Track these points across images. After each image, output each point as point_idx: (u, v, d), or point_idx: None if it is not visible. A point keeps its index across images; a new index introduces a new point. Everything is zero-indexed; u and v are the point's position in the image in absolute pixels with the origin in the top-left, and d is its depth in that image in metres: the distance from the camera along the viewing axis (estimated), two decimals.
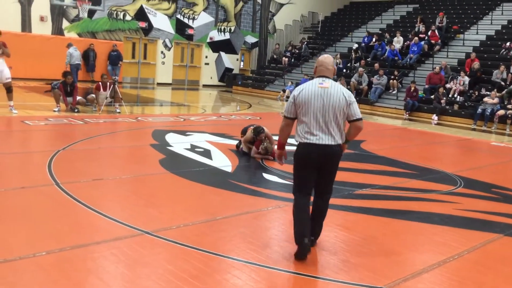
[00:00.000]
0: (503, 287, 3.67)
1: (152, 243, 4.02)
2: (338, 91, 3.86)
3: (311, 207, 4.04)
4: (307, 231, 3.87)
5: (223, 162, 7.28)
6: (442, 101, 16.23)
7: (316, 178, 3.95)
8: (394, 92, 18.39)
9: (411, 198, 6.03)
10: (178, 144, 8.35)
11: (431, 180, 7.06)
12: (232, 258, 3.84)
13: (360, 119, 3.94)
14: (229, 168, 6.96)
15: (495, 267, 4.04)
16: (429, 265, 3.93)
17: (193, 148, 8.07)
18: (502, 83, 16.05)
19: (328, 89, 3.84)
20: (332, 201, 5.57)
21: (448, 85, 17.09)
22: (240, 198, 5.59)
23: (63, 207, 4.74)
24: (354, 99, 3.95)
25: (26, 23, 18.90)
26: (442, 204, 5.83)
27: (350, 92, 3.95)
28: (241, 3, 25.46)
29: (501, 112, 14.57)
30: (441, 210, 5.59)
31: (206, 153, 7.77)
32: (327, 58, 4.02)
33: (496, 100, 15.06)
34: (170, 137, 8.94)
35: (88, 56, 19.82)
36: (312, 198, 4.06)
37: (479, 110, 15.08)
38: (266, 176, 6.70)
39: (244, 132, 7.99)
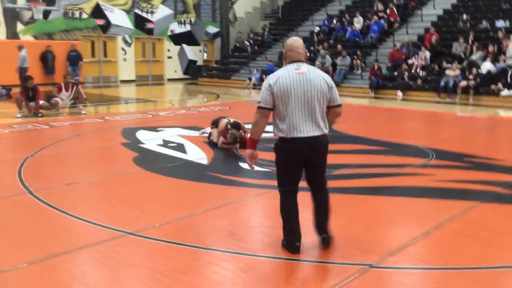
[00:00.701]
0: (485, 252, 3.77)
1: (136, 243, 3.95)
2: (318, 75, 3.59)
3: (313, 204, 3.81)
4: (298, 233, 3.69)
5: (198, 155, 7.21)
6: (405, 76, 16.50)
7: (305, 171, 3.72)
8: (358, 72, 18.58)
9: (387, 174, 6.11)
10: (150, 140, 8.22)
11: (404, 155, 7.18)
12: (218, 250, 3.81)
13: (340, 105, 3.73)
14: (204, 161, 6.90)
15: (475, 234, 4.14)
16: (413, 238, 3.99)
17: (165, 144, 7.97)
18: (462, 55, 16.42)
19: (307, 74, 3.54)
20: None
21: (410, 61, 17.36)
22: (219, 190, 5.55)
23: (39, 215, 4.60)
24: (333, 83, 3.70)
25: None
26: (417, 177, 5.95)
27: (328, 76, 3.71)
28: None
29: (463, 83, 14.91)
30: (417, 183, 5.69)
31: (180, 148, 7.68)
32: (296, 41, 3.70)
33: (457, 72, 15.40)
34: (141, 134, 8.79)
35: (46, 58, 19.26)
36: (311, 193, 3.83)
37: (442, 83, 15.40)
38: (243, 165, 6.67)
39: (215, 123, 7.92)
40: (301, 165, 3.67)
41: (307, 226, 3.83)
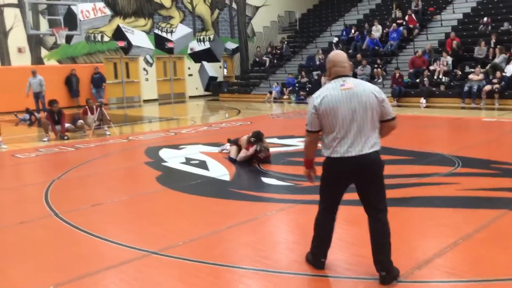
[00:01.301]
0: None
1: (161, 262, 3.97)
2: (366, 89, 3.35)
3: (369, 233, 3.48)
4: (325, 250, 3.63)
5: (220, 171, 7.23)
6: (427, 83, 16.30)
7: (358, 196, 3.48)
8: (379, 80, 18.42)
9: (412, 184, 6.01)
10: (172, 159, 8.30)
11: (429, 164, 7.06)
12: (242, 268, 3.79)
13: (394, 118, 3.43)
14: (227, 177, 6.91)
15: (505, 243, 4.03)
16: (440, 250, 3.91)
17: (188, 161, 8.02)
18: (485, 58, 16.14)
19: (353, 90, 3.32)
20: None
21: (432, 67, 17.17)
22: (242, 206, 5.55)
23: (65, 237, 4.67)
24: (384, 95, 3.42)
25: (4, 56, 18.79)
26: (443, 187, 5.83)
27: (378, 88, 3.44)
28: (217, 11, 25.47)
29: (488, 87, 14.65)
30: (443, 192, 5.58)
31: (202, 165, 7.72)
32: (339, 55, 3.49)
33: (481, 76, 15.15)
34: (164, 153, 8.88)
35: (70, 81, 19.76)
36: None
37: (466, 88, 15.17)
38: (265, 180, 6.66)
39: (232, 141, 7.99)
40: (345, 186, 3.47)
41: (333, 241, 3.78)
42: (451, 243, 4.03)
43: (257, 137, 7.60)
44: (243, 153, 7.60)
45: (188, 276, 3.67)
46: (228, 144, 8.79)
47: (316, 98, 3.39)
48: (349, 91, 3.32)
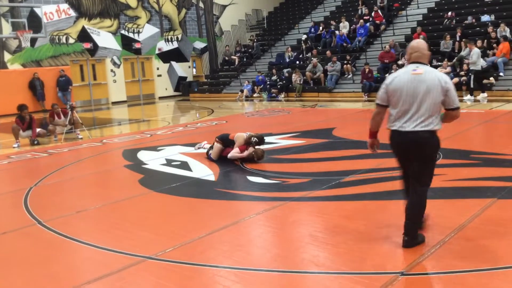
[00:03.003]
0: (510, 250, 3.73)
1: (158, 267, 3.86)
2: (433, 77, 3.72)
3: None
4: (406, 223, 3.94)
5: (203, 171, 7.13)
6: None
7: (409, 167, 3.89)
8: (349, 76, 18.65)
9: (398, 177, 6.04)
10: (152, 161, 8.14)
11: None
12: (243, 269, 3.73)
13: (457, 108, 3.81)
14: (211, 177, 6.82)
15: (499, 231, 4.10)
16: (438, 241, 3.94)
17: (169, 163, 7.88)
18: (448, 50, 16.53)
19: (422, 75, 3.72)
20: (324, 192, 5.60)
21: (400, 62, 17.46)
22: (232, 206, 5.48)
23: (53, 247, 4.50)
24: (452, 85, 3.77)
25: None
26: None
27: (447, 77, 3.79)
28: (184, 10, 25.21)
29: (455, 80, 14.98)
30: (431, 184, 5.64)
31: (184, 165, 7.60)
32: (420, 43, 3.92)
33: (448, 69, 15.51)
34: (143, 155, 8.71)
35: (34, 85, 19.14)
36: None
37: None
38: (251, 178, 6.59)
39: (223, 138, 7.72)
40: (405, 156, 3.91)
41: (328, 237, 3.77)
42: (448, 233, 4.08)
43: (261, 141, 7.45)
44: (237, 153, 7.40)
45: (190, 281, 3.58)
46: (205, 142, 8.69)
47: (389, 78, 3.92)
48: (418, 76, 3.74)
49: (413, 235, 3.84)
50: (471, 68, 14.73)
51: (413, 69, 3.78)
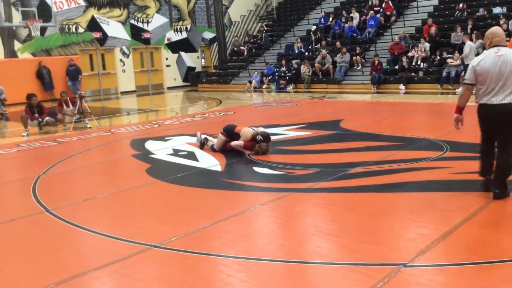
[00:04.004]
0: None
1: (164, 256, 3.90)
2: None
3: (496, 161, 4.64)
4: (489, 170, 4.71)
5: (210, 162, 7.16)
6: (406, 69, 16.46)
7: (496, 134, 4.58)
8: (358, 68, 18.56)
9: (404, 170, 6.06)
10: (160, 150, 8.18)
11: (418, 149, 7.14)
12: (247, 258, 3.76)
13: None
14: (218, 167, 6.85)
15: (506, 224, 4.10)
16: (442, 233, 3.94)
17: (176, 153, 7.92)
18: (459, 43, 16.35)
19: (504, 56, 4.42)
20: (330, 184, 5.62)
21: (410, 54, 17.35)
22: (238, 196, 5.50)
23: (61, 234, 4.56)
24: None
25: None
26: (436, 171, 5.89)
27: None
28: (193, 0, 25.16)
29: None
30: (436, 177, 5.64)
31: (191, 156, 7.64)
32: (498, 29, 4.63)
33: (459, 61, 15.36)
34: (150, 145, 8.76)
35: (41, 74, 19.21)
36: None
37: (444, 74, 15.37)
38: (257, 169, 6.62)
39: (228, 130, 7.71)
40: (492, 127, 4.60)
41: (333, 228, 3.79)
42: (452, 226, 4.07)
43: (266, 139, 7.47)
44: (239, 146, 7.40)
45: (196, 269, 3.62)
46: (199, 133, 8.59)
47: (475, 61, 4.59)
48: (500, 57, 4.45)
49: (502, 189, 4.58)
50: (465, 63, 14.47)
51: (495, 51, 4.48)
